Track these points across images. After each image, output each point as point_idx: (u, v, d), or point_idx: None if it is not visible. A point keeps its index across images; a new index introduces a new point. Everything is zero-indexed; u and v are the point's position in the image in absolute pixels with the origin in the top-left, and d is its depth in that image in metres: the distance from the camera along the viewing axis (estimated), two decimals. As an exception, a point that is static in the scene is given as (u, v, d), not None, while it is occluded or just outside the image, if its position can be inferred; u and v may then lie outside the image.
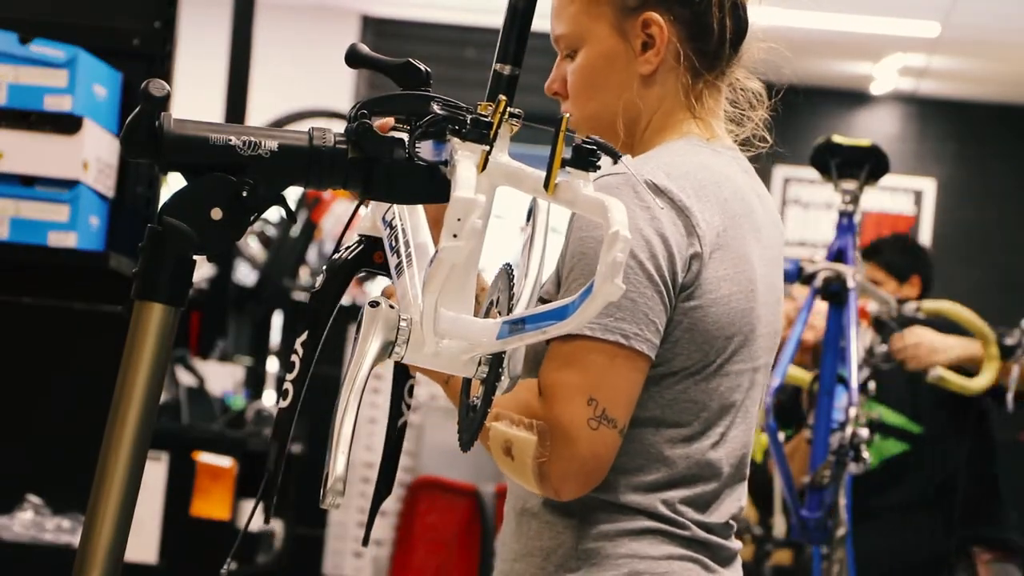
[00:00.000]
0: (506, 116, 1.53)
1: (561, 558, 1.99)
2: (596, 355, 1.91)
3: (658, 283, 1.93)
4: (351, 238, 1.84)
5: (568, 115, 1.51)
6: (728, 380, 2.02)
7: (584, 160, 1.50)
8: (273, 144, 1.57)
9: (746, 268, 2.02)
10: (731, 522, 2.06)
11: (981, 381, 4.35)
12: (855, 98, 10.19)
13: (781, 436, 4.00)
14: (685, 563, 1.99)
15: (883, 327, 4.34)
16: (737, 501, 2.07)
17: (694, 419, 2.01)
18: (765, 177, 2.18)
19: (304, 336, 1.73)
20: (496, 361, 1.57)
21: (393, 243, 1.76)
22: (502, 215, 1.83)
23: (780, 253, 2.12)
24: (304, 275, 6.75)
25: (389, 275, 1.76)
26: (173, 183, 1.76)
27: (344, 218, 6.35)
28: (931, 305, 4.34)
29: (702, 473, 2.02)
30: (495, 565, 2.11)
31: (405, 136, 1.59)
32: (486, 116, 1.53)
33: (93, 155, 3.36)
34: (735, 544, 2.06)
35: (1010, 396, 4.49)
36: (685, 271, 1.95)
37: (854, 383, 3.94)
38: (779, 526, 4.73)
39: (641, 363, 1.93)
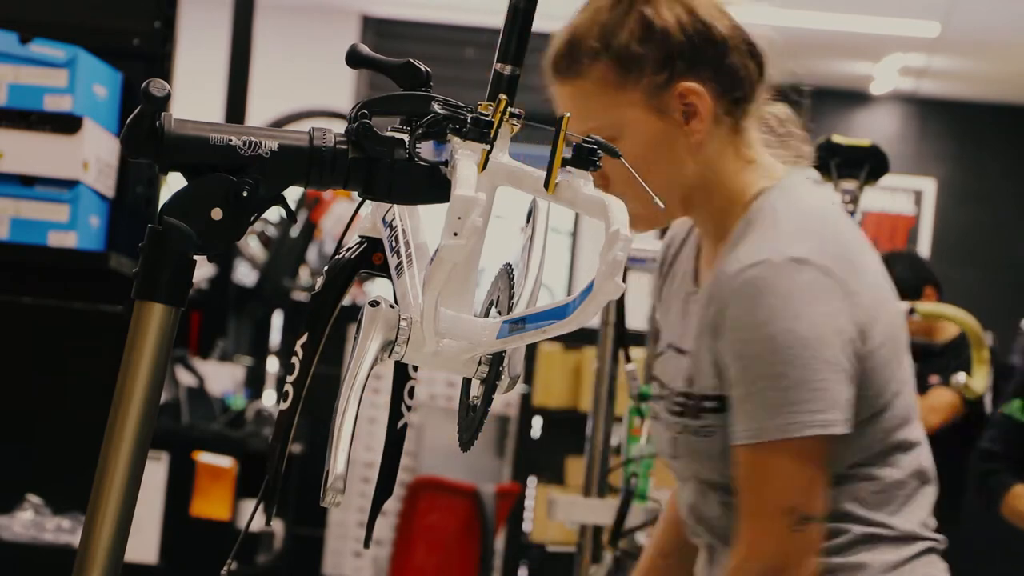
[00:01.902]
0: (507, 116, 1.53)
1: None
2: (795, 458, 1.96)
3: (840, 361, 1.95)
4: (351, 239, 1.84)
5: (568, 115, 1.50)
6: (904, 389, 2.06)
7: (584, 159, 1.50)
8: (273, 144, 1.57)
9: (875, 288, 2.04)
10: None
11: (980, 383, 4.36)
12: (855, 98, 10.19)
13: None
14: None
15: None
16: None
17: (898, 436, 2.06)
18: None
19: (304, 338, 1.73)
20: (496, 361, 1.57)
21: (393, 243, 1.75)
22: (502, 215, 1.83)
23: (878, 257, 2.14)
24: (304, 275, 6.75)
25: (389, 276, 1.75)
26: (173, 183, 1.76)
27: (344, 218, 6.35)
28: (926, 308, 4.34)
29: (924, 476, 2.10)
30: None
31: (405, 136, 1.59)
32: (486, 116, 1.53)
33: (93, 155, 3.36)
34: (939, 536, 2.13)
35: (988, 399, 4.53)
36: (857, 337, 1.97)
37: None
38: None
39: (840, 440, 1.98)
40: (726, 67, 2.03)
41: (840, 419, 1.96)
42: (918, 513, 2.08)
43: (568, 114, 1.50)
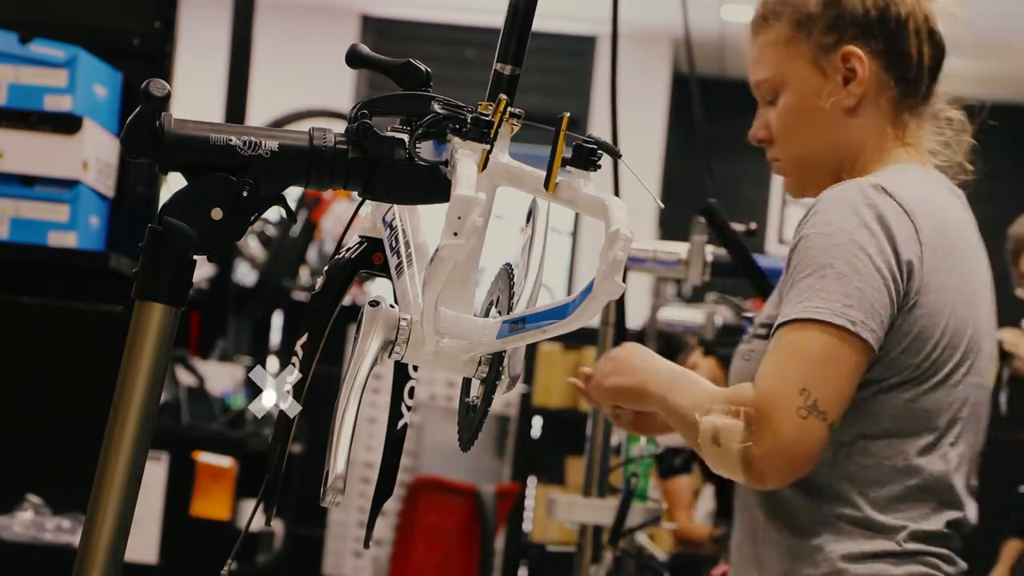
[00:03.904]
0: (507, 115, 1.53)
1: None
2: (818, 343, 1.94)
3: (887, 276, 1.98)
4: (351, 239, 1.84)
5: (568, 115, 1.51)
6: (956, 392, 2.06)
7: (584, 159, 1.50)
8: (273, 144, 1.57)
9: (970, 281, 2.08)
10: (954, 534, 2.10)
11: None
12: (855, 98, 10.20)
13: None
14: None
15: None
16: (966, 516, 2.10)
17: (924, 430, 2.04)
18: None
19: (304, 338, 1.73)
20: (496, 360, 1.57)
21: (393, 243, 1.75)
22: (502, 215, 1.83)
23: (990, 280, 2.20)
24: (304, 275, 6.75)
25: (389, 276, 1.75)
26: (173, 183, 1.76)
27: (344, 218, 6.35)
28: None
29: (935, 487, 2.06)
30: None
31: (405, 136, 1.59)
32: (487, 115, 1.53)
33: (93, 155, 3.36)
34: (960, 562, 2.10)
35: (1004, 397, 4.51)
36: (909, 272, 2.00)
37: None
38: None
39: (863, 354, 1.97)
40: (898, 45, 2.12)
41: (869, 325, 1.96)
42: (915, 518, 2.06)
43: (568, 114, 1.50)
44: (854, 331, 1.95)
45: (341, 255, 1.81)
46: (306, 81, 9.32)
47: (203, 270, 5.92)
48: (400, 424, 1.82)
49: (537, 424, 7.51)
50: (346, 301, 1.79)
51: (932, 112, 2.18)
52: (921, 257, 2.02)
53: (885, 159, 2.13)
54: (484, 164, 1.51)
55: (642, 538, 3.52)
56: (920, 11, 2.14)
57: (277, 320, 6.76)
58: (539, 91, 8.88)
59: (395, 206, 1.77)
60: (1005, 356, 4.46)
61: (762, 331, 2.08)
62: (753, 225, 3.28)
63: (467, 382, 1.65)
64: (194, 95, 5.34)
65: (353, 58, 1.69)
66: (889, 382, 2.03)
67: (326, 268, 1.79)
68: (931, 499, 2.06)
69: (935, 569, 2.06)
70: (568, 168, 1.50)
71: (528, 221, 1.69)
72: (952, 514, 2.07)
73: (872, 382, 2.02)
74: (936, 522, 2.06)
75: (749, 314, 3.23)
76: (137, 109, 1.54)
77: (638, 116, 8.97)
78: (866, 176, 2.08)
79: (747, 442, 1.92)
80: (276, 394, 1.66)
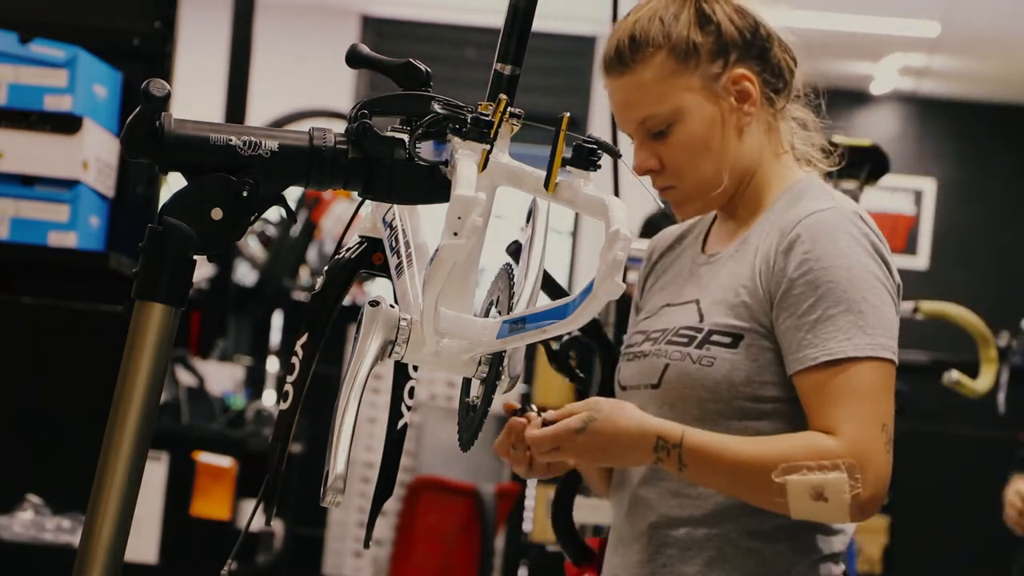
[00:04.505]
0: (507, 115, 1.53)
1: None
2: (879, 378, 2.04)
3: (896, 302, 2.08)
4: (351, 239, 1.84)
5: (568, 115, 1.51)
6: None
7: (584, 159, 1.50)
8: (273, 144, 1.57)
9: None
10: None
11: (985, 383, 4.36)
12: (855, 98, 10.19)
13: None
14: None
15: None
16: None
17: None
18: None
19: (304, 337, 1.73)
20: (496, 360, 1.57)
21: (393, 243, 1.75)
22: (502, 215, 1.83)
23: None
24: (304, 275, 6.75)
25: (389, 276, 1.75)
26: (173, 183, 1.76)
27: (344, 218, 6.35)
28: (930, 306, 4.34)
29: None
30: None
31: (405, 136, 1.59)
32: (487, 115, 1.53)
33: (93, 155, 3.36)
34: None
35: (1002, 397, 4.51)
36: (899, 293, 2.11)
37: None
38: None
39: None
40: (770, 59, 2.16)
41: (895, 349, 2.07)
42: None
43: (568, 114, 1.50)
44: (894, 360, 2.05)
45: (341, 255, 1.81)
46: (306, 81, 9.31)
47: (203, 270, 5.92)
48: (400, 424, 1.82)
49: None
50: (346, 301, 1.79)
51: (785, 113, 2.22)
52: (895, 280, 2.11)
53: (784, 173, 2.18)
54: (484, 164, 1.51)
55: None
56: (770, 26, 2.19)
57: (277, 320, 6.75)
58: (539, 91, 8.88)
59: (395, 206, 1.77)
60: (1004, 355, 4.45)
61: (724, 340, 2.08)
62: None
63: (467, 382, 1.65)
64: (194, 95, 5.34)
65: (353, 58, 1.69)
66: None
67: (326, 268, 1.79)
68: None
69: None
70: (568, 168, 1.50)
71: (528, 221, 1.69)
72: None
73: None
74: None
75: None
76: (137, 109, 1.55)
77: (638, 116, 8.94)
78: (816, 197, 2.13)
79: (856, 491, 1.98)
80: (276, 394, 1.67)
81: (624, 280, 1.44)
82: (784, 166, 2.18)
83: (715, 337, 2.08)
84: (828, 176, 2.21)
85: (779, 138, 2.19)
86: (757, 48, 2.15)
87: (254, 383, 6.13)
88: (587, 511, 3.34)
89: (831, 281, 2.02)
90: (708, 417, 2.06)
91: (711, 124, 2.13)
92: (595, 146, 1.50)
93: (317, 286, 1.77)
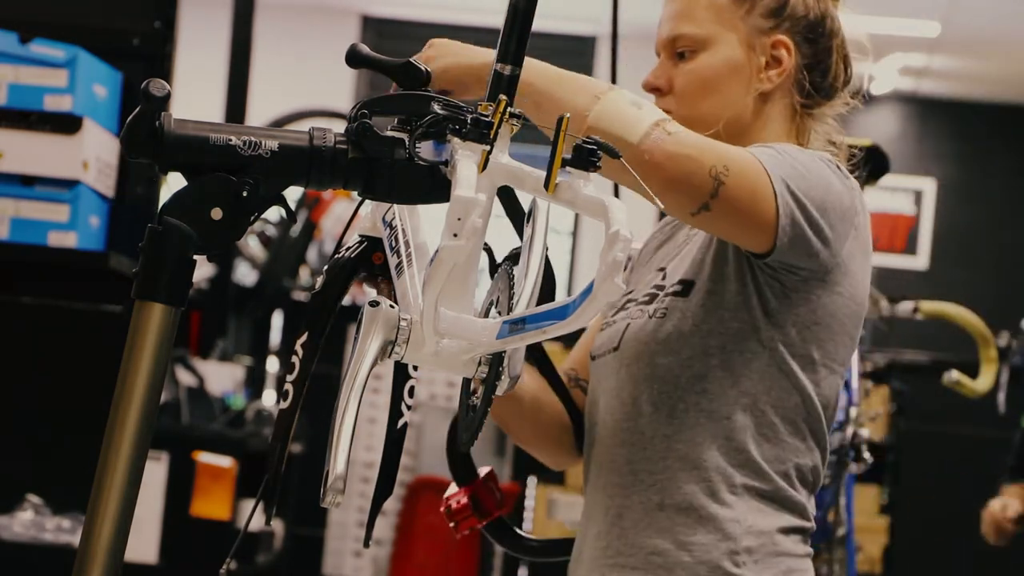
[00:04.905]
0: (506, 116, 1.53)
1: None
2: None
3: (852, 198, 2.07)
4: (351, 238, 1.84)
5: (568, 115, 1.50)
6: (837, 378, 2.11)
7: (584, 160, 1.50)
8: (273, 144, 1.57)
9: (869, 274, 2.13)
10: None
11: (985, 383, 4.36)
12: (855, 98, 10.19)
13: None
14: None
15: None
16: None
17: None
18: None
19: (304, 337, 1.73)
20: (496, 361, 1.57)
21: (393, 243, 1.76)
22: (502, 215, 1.83)
23: None
24: (304, 275, 6.75)
25: (389, 276, 1.76)
26: (173, 183, 1.76)
27: (344, 218, 6.35)
28: (930, 307, 4.34)
29: None
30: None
31: (405, 136, 1.59)
32: (486, 116, 1.53)
33: (93, 155, 3.36)
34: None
35: (1002, 396, 4.51)
36: (845, 233, 2.05)
37: (855, 383, 3.94)
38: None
39: None
40: (821, 56, 2.18)
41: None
42: (803, 492, 2.09)
43: (568, 114, 1.50)
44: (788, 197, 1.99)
45: (341, 255, 1.81)
46: (306, 81, 9.32)
47: (203, 270, 5.92)
48: (400, 424, 1.82)
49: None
50: (346, 301, 1.79)
51: (820, 123, 2.24)
52: (857, 234, 2.08)
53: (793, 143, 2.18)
54: (484, 164, 1.51)
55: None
56: (843, 34, 2.22)
57: (277, 320, 6.75)
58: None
59: (395, 206, 1.77)
60: (1004, 355, 4.46)
61: (677, 289, 2.09)
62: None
63: (467, 382, 1.66)
64: (194, 95, 5.34)
65: (353, 58, 1.69)
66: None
67: (326, 268, 1.79)
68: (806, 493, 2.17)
69: None
70: (568, 168, 1.50)
71: (528, 221, 1.69)
72: None
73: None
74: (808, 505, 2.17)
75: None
76: (137, 109, 1.55)
77: (638, 116, 8.94)
78: None
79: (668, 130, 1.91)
80: (276, 394, 1.67)
81: (623, 281, 1.44)
82: (794, 141, 2.19)
83: (671, 289, 2.09)
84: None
85: (803, 134, 2.20)
86: (815, 35, 2.17)
87: (254, 383, 6.14)
88: (575, 509, 3.34)
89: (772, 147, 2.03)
90: (658, 375, 2.05)
91: (733, 68, 2.14)
92: (595, 146, 1.50)
93: (317, 286, 1.77)
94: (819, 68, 2.18)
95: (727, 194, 1.90)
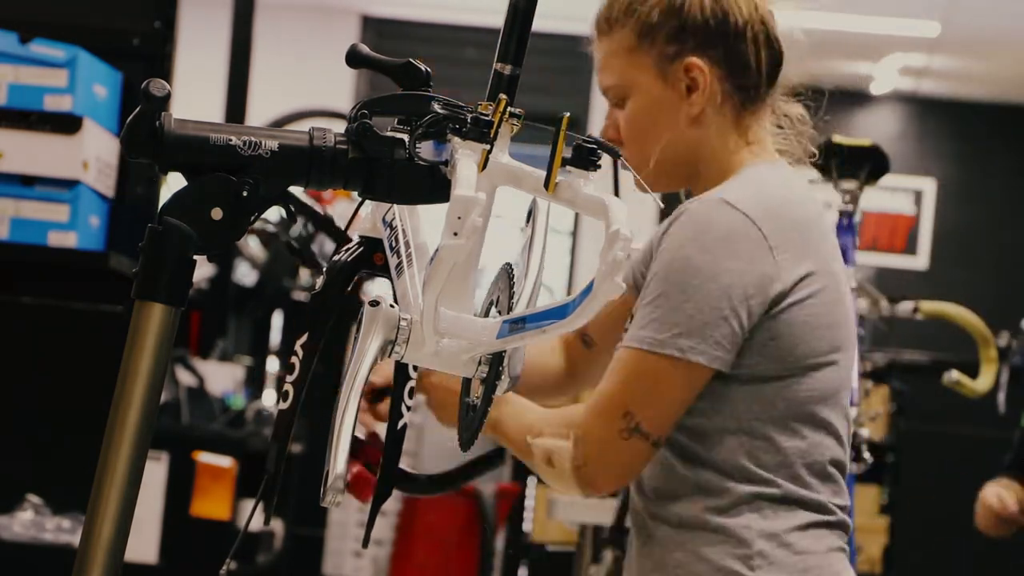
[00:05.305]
0: (507, 115, 1.53)
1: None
2: (636, 367, 2.07)
3: (734, 306, 2.05)
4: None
5: (568, 115, 1.51)
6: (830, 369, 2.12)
7: (584, 159, 1.50)
8: (273, 144, 1.57)
9: (834, 266, 2.13)
10: None
11: (985, 383, 4.36)
12: (855, 98, 10.19)
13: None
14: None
15: None
16: None
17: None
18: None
19: (304, 337, 1.73)
20: (496, 360, 1.57)
21: (393, 243, 1.75)
22: (502, 215, 1.83)
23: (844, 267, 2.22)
24: (304, 275, 6.75)
25: (389, 276, 1.75)
26: (173, 183, 1.76)
27: (344, 218, 6.34)
28: (930, 306, 4.34)
29: None
30: None
31: (405, 136, 1.59)
32: (486, 116, 1.52)
33: (93, 155, 3.36)
34: None
35: (1002, 396, 4.51)
36: (761, 284, 2.06)
37: (855, 383, 3.94)
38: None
39: (698, 373, 2.06)
40: (737, 53, 2.17)
41: (706, 351, 2.05)
42: (819, 487, 2.11)
43: (568, 114, 1.50)
44: (689, 359, 2.05)
45: (341, 255, 1.81)
46: (306, 81, 9.32)
47: (203, 270, 5.92)
48: (400, 424, 1.82)
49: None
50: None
51: (770, 109, 2.23)
52: (768, 268, 2.07)
53: (736, 162, 2.19)
54: (484, 164, 1.51)
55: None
56: (756, 17, 2.19)
57: (277, 320, 6.75)
58: (539, 91, 8.88)
59: (395, 206, 1.77)
60: (1004, 355, 4.46)
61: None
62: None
63: (467, 382, 1.65)
64: (194, 95, 5.33)
65: (353, 58, 1.69)
66: (762, 375, 2.09)
67: (326, 268, 1.79)
68: (836, 479, 2.19)
69: None
70: (568, 168, 1.50)
71: (528, 221, 1.69)
72: None
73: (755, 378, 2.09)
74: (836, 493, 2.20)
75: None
76: (137, 109, 1.54)
77: (638, 116, 8.94)
78: (720, 185, 2.15)
79: (577, 461, 2.08)
80: (276, 394, 1.67)
81: (624, 280, 1.44)
82: (752, 155, 2.20)
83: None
84: (827, 177, 2.23)
85: (751, 130, 2.20)
86: (723, 39, 2.16)
87: (254, 383, 6.14)
88: (587, 511, 3.34)
89: (656, 272, 2.08)
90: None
91: (658, 106, 2.17)
92: (595, 146, 1.50)
93: (317, 286, 1.77)
94: (739, 68, 2.18)
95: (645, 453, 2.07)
